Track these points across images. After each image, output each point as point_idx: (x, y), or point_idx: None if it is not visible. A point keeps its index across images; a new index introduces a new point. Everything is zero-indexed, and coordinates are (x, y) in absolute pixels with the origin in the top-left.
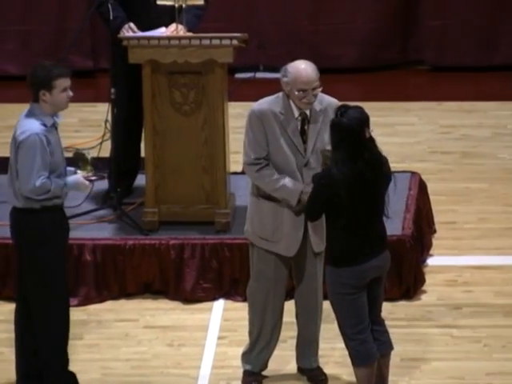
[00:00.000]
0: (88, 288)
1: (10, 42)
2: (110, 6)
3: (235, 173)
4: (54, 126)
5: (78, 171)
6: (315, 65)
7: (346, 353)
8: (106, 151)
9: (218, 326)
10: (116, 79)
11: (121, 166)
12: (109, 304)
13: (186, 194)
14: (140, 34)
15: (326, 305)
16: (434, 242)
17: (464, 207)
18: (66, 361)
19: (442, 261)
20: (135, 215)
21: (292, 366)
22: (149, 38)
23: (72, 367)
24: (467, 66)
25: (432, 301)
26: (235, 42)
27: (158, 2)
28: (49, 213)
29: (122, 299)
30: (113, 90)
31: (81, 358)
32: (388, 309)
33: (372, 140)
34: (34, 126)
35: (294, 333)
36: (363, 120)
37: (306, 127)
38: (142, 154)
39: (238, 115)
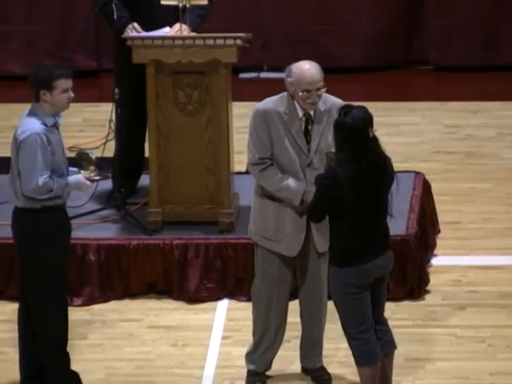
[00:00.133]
0: (92, 288)
1: (14, 42)
2: (113, 6)
3: (239, 173)
4: (56, 126)
5: (81, 171)
6: (319, 65)
7: (350, 353)
8: (109, 151)
9: (222, 325)
10: (120, 79)
11: (125, 166)
12: (113, 304)
13: (189, 193)
14: (144, 33)
15: (330, 305)
16: (438, 241)
17: (468, 207)
18: (67, 361)
19: (446, 261)
20: (139, 215)
21: (296, 366)
22: (153, 38)
23: (76, 367)
24: (471, 65)
25: (436, 301)
26: (239, 41)
27: (162, 2)
28: (49, 213)
29: (126, 299)
30: (117, 90)
31: (85, 357)
32: (392, 309)
33: (375, 140)
34: (34, 125)
35: (298, 333)
36: (367, 120)
37: (309, 127)
38: (146, 154)
39: (241, 115)
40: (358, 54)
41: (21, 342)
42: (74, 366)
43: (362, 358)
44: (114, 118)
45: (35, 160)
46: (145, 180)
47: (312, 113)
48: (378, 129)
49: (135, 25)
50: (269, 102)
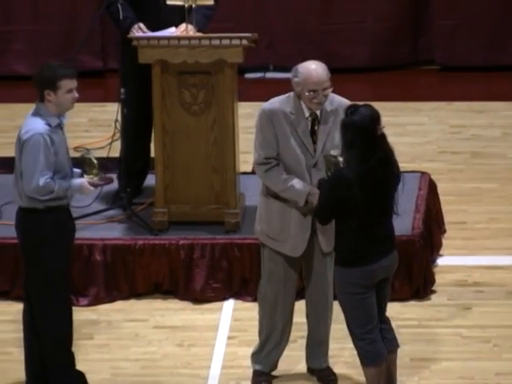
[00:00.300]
0: (98, 288)
1: (19, 42)
2: (119, 6)
3: (245, 173)
4: (60, 126)
5: (85, 175)
6: (326, 65)
7: (356, 353)
8: (115, 151)
9: (227, 325)
10: (126, 79)
11: (130, 166)
12: (119, 304)
13: (195, 194)
14: (150, 34)
15: (336, 305)
16: (444, 241)
17: (474, 207)
18: (71, 361)
19: (451, 261)
20: (145, 215)
21: (302, 366)
22: (158, 38)
23: (82, 367)
24: (477, 65)
25: (442, 301)
26: (245, 42)
27: (168, 2)
28: (52, 213)
29: (132, 299)
30: (122, 90)
31: (91, 357)
32: (398, 309)
33: (384, 137)
34: (37, 125)
35: (304, 333)
36: (375, 117)
37: (316, 127)
38: (152, 154)
39: (247, 115)
40: (363, 54)
41: (26, 342)
42: (79, 366)
43: (367, 358)
44: (119, 117)
45: (37, 160)
46: (151, 180)
47: (318, 113)
48: (384, 129)
49: (141, 25)
50: (275, 102)
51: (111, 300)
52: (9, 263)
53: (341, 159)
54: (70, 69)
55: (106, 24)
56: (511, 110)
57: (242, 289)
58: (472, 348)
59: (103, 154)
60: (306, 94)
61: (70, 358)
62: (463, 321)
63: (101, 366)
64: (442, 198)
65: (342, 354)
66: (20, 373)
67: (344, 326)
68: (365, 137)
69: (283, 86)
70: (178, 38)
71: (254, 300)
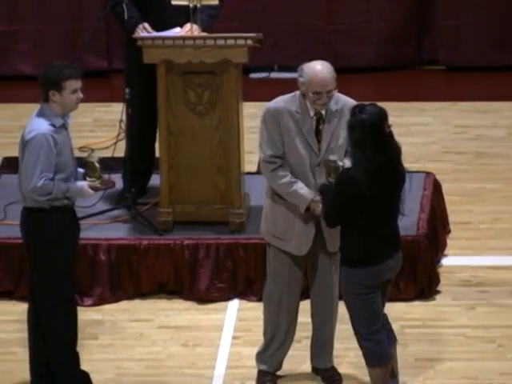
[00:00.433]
0: (102, 288)
1: (25, 42)
2: (124, 5)
3: (250, 173)
4: (64, 127)
5: (87, 178)
6: (331, 65)
7: (361, 353)
8: (120, 151)
9: (232, 326)
10: (130, 79)
11: (135, 165)
12: (123, 304)
13: (200, 194)
14: (155, 34)
15: (341, 305)
16: (449, 242)
17: (478, 207)
18: (76, 360)
19: (456, 261)
20: (150, 215)
21: (306, 366)
22: (163, 38)
23: (86, 367)
24: (482, 65)
25: (446, 301)
26: (250, 41)
27: (173, 2)
28: (58, 213)
29: (137, 299)
30: (127, 90)
31: (95, 357)
32: (402, 309)
33: (391, 134)
34: (41, 126)
35: (309, 333)
36: (382, 115)
37: (320, 127)
38: (157, 154)
39: (252, 115)
40: (368, 54)
41: (30, 342)
42: (84, 366)
43: (372, 358)
44: (124, 117)
45: (37, 160)
46: (155, 180)
47: (323, 112)
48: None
49: (146, 25)
50: (280, 101)
51: (116, 300)
52: (13, 263)
53: (341, 164)
54: (74, 69)
55: (111, 24)
56: None
57: (246, 289)
58: (476, 348)
59: (108, 153)
60: (310, 95)
61: (75, 358)
62: (468, 321)
63: (105, 365)
64: (446, 198)
65: (347, 354)
66: (25, 372)
67: (349, 326)
68: (374, 135)
69: (288, 86)
70: (183, 38)
71: (259, 300)
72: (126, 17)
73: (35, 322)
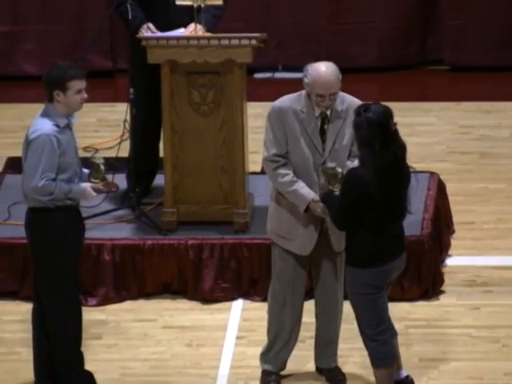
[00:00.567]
0: (107, 288)
1: (29, 42)
2: (128, 6)
3: (254, 173)
4: (69, 127)
5: (91, 179)
6: (336, 66)
7: (365, 353)
8: (124, 151)
9: (236, 326)
10: (135, 79)
11: (139, 165)
12: (127, 304)
13: (204, 194)
14: (159, 34)
15: (345, 305)
16: (453, 242)
17: (482, 207)
18: (81, 360)
19: (460, 261)
20: (154, 215)
21: (310, 366)
22: (168, 38)
23: (90, 367)
24: (486, 66)
25: (451, 301)
26: (254, 41)
27: (177, 2)
28: (62, 212)
29: (141, 299)
30: (131, 90)
31: (99, 357)
32: (407, 309)
33: (397, 132)
34: (45, 126)
35: (313, 333)
36: (388, 113)
37: (325, 126)
38: (161, 154)
39: (256, 115)
40: (372, 54)
41: (35, 342)
42: (88, 366)
43: (378, 359)
44: (128, 118)
45: (40, 160)
46: (159, 180)
47: (329, 112)
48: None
49: (150, 25)
50: (285, 100)
51: (120, 300)
52: (18, 263)
53: (339, 170)
54: (79, 69)
55: (115, 24)
56: None
57: (250, 289)
58: (481, 348)
59: (112, 153)
60: (314, 96)
61: (80, 358)
62: (472, 321)
63: (109, 365)
64: (450, 198)
65: (352, 354)
66: (29, 372)
67: (353, 326)
68: (380, 133)
69: (292, 86)
70: (187, 38)
71: (263, 300)
72: (130, 17)
73: (40, 321)
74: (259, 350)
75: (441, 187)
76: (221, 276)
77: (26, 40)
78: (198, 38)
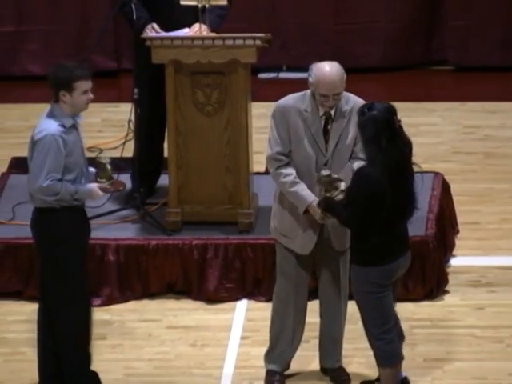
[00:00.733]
0: (111, 288)
1: (33, 42)
2: (133, 6)
3: (258, 173)
4: (75, 127)
5: (97, 179)
6: (340, 66)
7: (370, 353)
8: (129, 151)
9: (240, 326)
10: (139, 79)
11: (144, 166)
12: (132, 304)
13: (209, 194)
14: (163, 34)
15: (350, 305)
16: (457, 242)
17: (487, 207)
18: (88, 360)
19: (465, 261)
20: (158, 215)
21: (315, 366)
22: (172, 38)
23: (95, 367)
24: (491, 66)
25: (455, 301)
26: (258, 42)
27: (182, 2)
28: (67, 213)
29: (145, 299)
30: (136, 90)
31: (104, 358)
32: (411, 309)
33: (401, 128)
34: (51, 126)
35: (317, 333)
36: (391, 110)
37: (329, 126)
38: (165, 155)
39: (261, 115)
40: (376, 54)
41: (40, 343)
42: (93, 366)
43: (384, 358)
44: (133, 118)
45: (45, 160)
46: (164, 180)
47: (333, 112)
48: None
49: (154, 25)
50: (290, 99)
51: (124, 300)
52: (22, 263)
53: (335, 176)
54: (85, 70)
55: (120, 24)
56: None
57: (255, 289)
58: (485, 348)
59: (116, 154)
60: (318, 96)
61: (87, 359)
62: (476, 321)
63: (114, 366)
64: (455, 199)
65: (356, 354)
66: (33, 373)
67: (358, 327)
68: (386, 129)
69: (296, 86)
70: (192, 38)
71: (267, 300)
72: (134, 17)
73: (45, 321)
74: (263, 350)
75: (445, 187)
76: (225, 276)
77: (31, 40)
78: (203, 38)
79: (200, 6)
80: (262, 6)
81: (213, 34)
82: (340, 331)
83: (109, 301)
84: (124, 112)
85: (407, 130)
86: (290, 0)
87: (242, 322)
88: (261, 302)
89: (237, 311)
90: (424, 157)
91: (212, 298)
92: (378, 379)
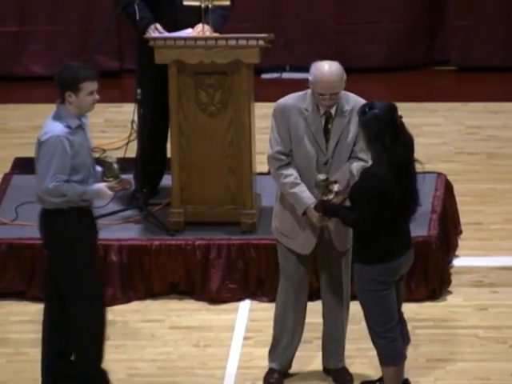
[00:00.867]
0: (114, 288)
1: (36, 43)
2: (136, 6)
3: (261, 173)
4: (81, 127)
5: (104, 178)
6: (341, 65)
7: (372, 354)
8: (131, 152)
9: (243, 326)
10: (142, 80)
11: (147, 166)
12: (135, 304)
13: (211, 194)
14: (166, 34)
15: (352, 305)
16: (460, 242)
17: (490, 208)
18: (100, 359)
19: (467, 261)
20: (161, 216)
21: (318, 367)
22: (175, 39)
23: None
24: (493, 66)
25: (458, 302)
26: (261, 42)
27: (185, 3)
28: (75, 213)
29: (148, 300)
30: (139, 91)
31: (107, 358)
32: (414, 310)
33: (402, 124)
34: (57, 127)
35: (320, 333)
36: (392, 107)
37: (329, 126)
38: (168, 155)
39: (264, 115)
40: (379, 54)
41: (45, 343)
42: None
43: (387, 356)
44: (136, 118)
45: (50, 162)
46: (167, 180)
47: (333, 111)
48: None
49: (157, 25)
50: (290, 98)
51: (127, 300)
52: (25, 264)
53: (332, 179)
54: (91, 70)
55: (123, 24)
56: None
57: (258, 289)
58: (488, 349)
59: (119, 154)
60: (316, 95)
61: (100, 357)
62: (479, 321)
63: (117, 366)
64: (458, 199)
65: (358, 354)
66: (36, 373)
67: (360, 327)
68: (389, 126)
69: (300, 86)
70: (195, 39)
71: (270, 300)
72: (137, 17)
73: (52, 322)
74: (266, 350)
75: (448, 188)
76: (228, 276)
77: (33, 40)
78: (206, 39)
79: (203, 6)
80: (264, 7)
81: (216, 35)
82: (342, 330)
83: (112, 301)
84: (127, 112)
85: (413, 137)
86: (293, 0)
87: (245, 323)
88: (264, 303)
89: (240, 311)
90: (427, 157)
91: (215, 299)
92: (379, 380)
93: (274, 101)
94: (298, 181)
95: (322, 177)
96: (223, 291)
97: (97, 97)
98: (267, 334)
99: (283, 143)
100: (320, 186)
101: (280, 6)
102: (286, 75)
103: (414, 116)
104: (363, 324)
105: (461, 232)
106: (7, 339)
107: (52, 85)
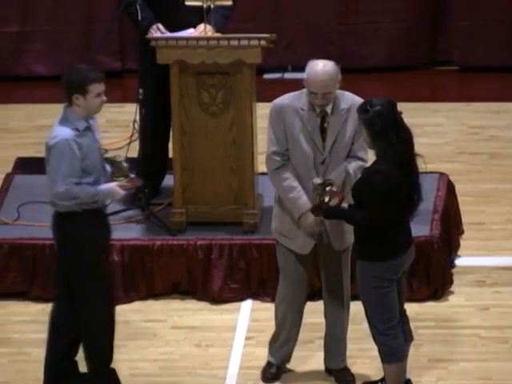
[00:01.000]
0: (116, 289)
1: (38, 43)
2: (138, 6)
3: (263, 173)
4: (89, 129)
5: (114, 177)
6: (343, 64)
7: (374, 354)
8: (133, 152)
9: (245, 326)
10: (144, 80)
11: (149, 166)
12: (136, 304)
13: (213, 194)
14: (168, 34)
15: (353, 305)
16: (462, 242)
17: (492, 208)
18: (110, 358)
19: (469, 261)
20: (163, 216)
21: (319, 367)
22: (177, 39)
23: None
24: (496, 66)
25: (460, 302)
26: (263, 42)
27: (187, 3)
28: (87, 215)
29: (150, 300)
30: (141, 91)
31: None
32: (416, 309)
33: (402, 120)
34: (64, 131)
35: (321, 333)
36: (392, 103)
37: (325, 125)
38: (170, 155)
39: (266, 116)
40: (381, 54)
41: (50, 343)
42: None
43: (389, 354)
44: (138, 118)
45: (59, 166)
46: (169, 180)
47: (329, 110)
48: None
49: (159, 25)
50: (286, 98)
51: (129, 300)
52: (27, 264)
53: (328, 181)
54: (98, 72)
55: (125, 24)
56: None
57: (259, 289)
58: (490, 349)
59: (121, 154)
60: (308, 93)
61: (110, 355)
62: (481, 321)
63: (119, 366)
64: (460, 199)
65: (360, 354)
66: (38, 373)
67: (362, 327)
68: (392, 122)
69: (302, 87)
70: (197, 39)
71: (272, 300)
72: (139, 17)
73: (58, 322)
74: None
75: (450, 188)
76: (230, 276)
77: (36, 40)
78: (208, 39)
79: (205, 6)
80: (266, 7)
81: (218, 35)
82: (343, 330)
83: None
84: (129, 112)
85: (412, 131)
86: (295, 0)
87: (247, 323)
88: (266, 303)
89: (241, 311)
90: (429, 157)
91: (217, 299)
92: (381, 380)
93: None
94: (295, 184)
95: (318, 181)
96: (225, 291)
97: (104, 98)
98: (269, 334)
99: (279, 143)
100: (316, 190)
101: (282, 6)
102: (288, 75)
103: (417, 116)
104: (365, 324)
105: (463, 232)
106: (9, 339)
107: (54, 85)
